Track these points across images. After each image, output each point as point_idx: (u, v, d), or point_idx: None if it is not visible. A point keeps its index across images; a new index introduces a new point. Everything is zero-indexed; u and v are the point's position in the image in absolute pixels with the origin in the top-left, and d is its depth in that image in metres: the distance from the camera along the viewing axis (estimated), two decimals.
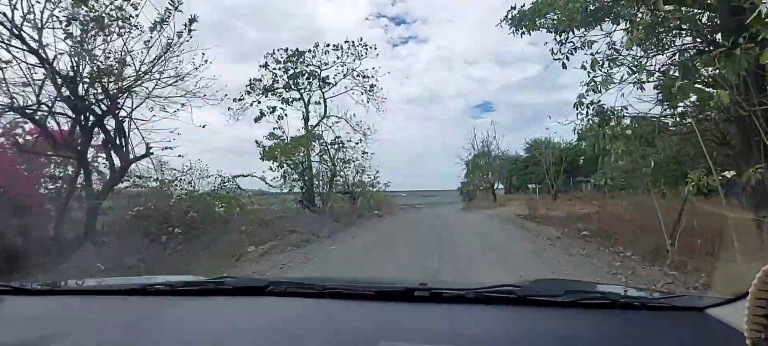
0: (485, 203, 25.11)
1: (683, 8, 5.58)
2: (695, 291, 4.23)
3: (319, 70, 15.13)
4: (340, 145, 14.88)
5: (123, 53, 6.75)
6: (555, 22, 6.54)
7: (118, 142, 7.48)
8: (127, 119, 7.55)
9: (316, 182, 15.03)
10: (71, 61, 6.33)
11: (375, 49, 15.15)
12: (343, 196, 18.70)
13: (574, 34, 6.54)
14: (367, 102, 15.85)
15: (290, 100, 15.04)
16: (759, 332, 0.60)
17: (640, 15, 5.91)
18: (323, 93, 15.30)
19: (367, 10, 53.04)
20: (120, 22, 6.43)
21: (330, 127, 15.16)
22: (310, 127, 14.99)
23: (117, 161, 7.67)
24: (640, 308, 0.95)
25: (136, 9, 6.50)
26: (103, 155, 7.82)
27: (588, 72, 5.57)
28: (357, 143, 15.81)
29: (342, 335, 0.88)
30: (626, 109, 6.09)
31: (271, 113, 14.70)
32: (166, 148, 8.19)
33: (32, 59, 5.94)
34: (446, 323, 0.94)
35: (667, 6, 5.40)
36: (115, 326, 0.97)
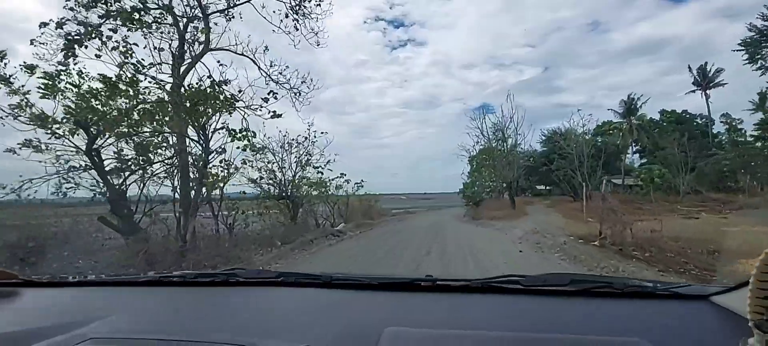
0: (501, 212, 17.54)
1: None
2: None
3: None
4: (226, 101, 7.15)
5: None
6: None
7: None
8: None
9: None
10: None
11: None
12: (278, 202, 11.34)
13: None
14: (295, 29, 8.41)
15: (139, 22, 7.53)
16: (761, 314, 0.61)
17: None
18: (203, 6, 7.83)
19: (364, 13, 49.10)
20: None
21: (203, 65, 7.50)
22: (181, 73, 7.53)
23: None
24: (645, 296, 0.95)
25: None
26: None
27: None
28: (267, 100, 7.77)
29: (350, 322, 0.89)
30: None
31: (90, 38, 7.21)
32: None
33: None
34: (451, 311, 0.94)
35: None
36: (133, 315, 0.97)
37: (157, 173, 6.38)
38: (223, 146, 7.01)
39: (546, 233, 9.86)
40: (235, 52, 7.84)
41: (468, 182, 26.67)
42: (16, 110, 5.29)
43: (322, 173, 12.01)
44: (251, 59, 7.95)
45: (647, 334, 0.76)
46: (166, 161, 6.40)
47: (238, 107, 7.09)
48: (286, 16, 8.35)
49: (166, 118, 6.78)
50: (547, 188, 37.78)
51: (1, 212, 5.30)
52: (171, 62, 7.46)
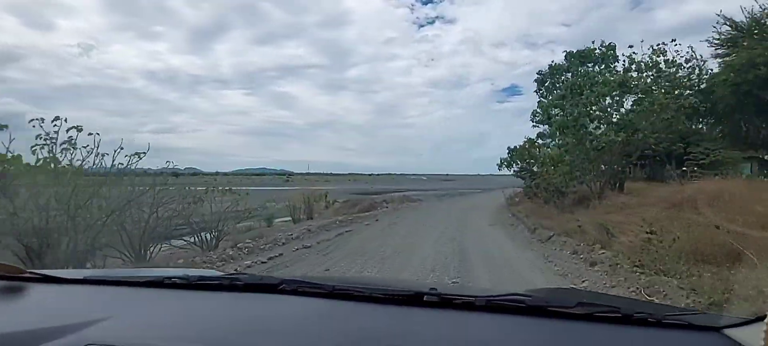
0: None
1: None
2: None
3: None
4: None
5: None
6: None
7: None
8: None
9: None
10: None
11: None
12: None
13: None
14: None
15: None
16: None
17: None
18: None
19: None
20: None
21: None
22: None
23: None
24: (655, 324, 0.89)
25: None
26: None
27: None
28: None
29: (350, 337, 0.86)
30: None
31: None
32: None
33: None
34: (454, 330, 0.91)
35: None
36: (131, 319, 0.97)
37: None
38: None
39: None
40: None
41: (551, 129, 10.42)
42: None
43: None
44: None
45: None
46: None
47: None
48: None
49: None
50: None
51: None
52: None
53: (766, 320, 0.59)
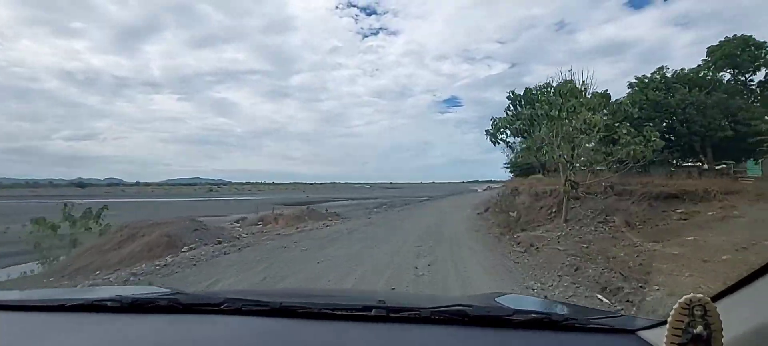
0: None
1: None
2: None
3: None
4: None
5: None
6: None
7: None
8: None
9: None
10: None
11: None
12: None
13: None
14: None
15: None
16: None
17: None
18: None
19: None
20: None
21: None
22: None
23: None
24: (582, 329, 0.99)
25: None
26: None
27: None
28: None
29: None
30: None
31: None
32: None
33: None
34: (399, 344, 0.96)
35: None
36: None
37: None
38: None
39: None
40: None
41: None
42: None
43: None
44: None
45: None
46: None
47: None
48: None
49: None
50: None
51: None
52: None
53: (668, 322, 0.66)
